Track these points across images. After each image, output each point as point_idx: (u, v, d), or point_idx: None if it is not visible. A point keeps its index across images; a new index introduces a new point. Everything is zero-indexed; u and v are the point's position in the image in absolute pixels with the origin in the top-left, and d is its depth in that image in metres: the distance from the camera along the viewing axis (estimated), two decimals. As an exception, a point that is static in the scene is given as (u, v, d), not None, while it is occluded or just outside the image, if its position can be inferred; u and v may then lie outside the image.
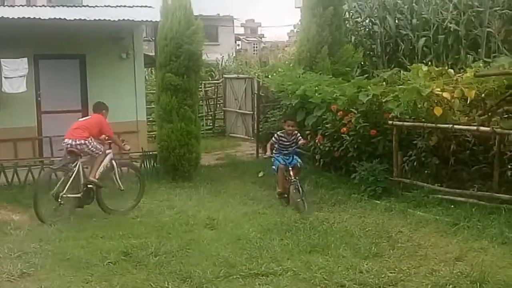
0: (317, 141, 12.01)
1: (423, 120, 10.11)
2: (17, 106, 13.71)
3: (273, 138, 10.69)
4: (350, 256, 7.22)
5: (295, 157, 10.55)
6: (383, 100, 10.74)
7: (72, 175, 9.44)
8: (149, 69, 22.38)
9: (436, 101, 9.89)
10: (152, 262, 7.07)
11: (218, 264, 6.99)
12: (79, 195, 9.60)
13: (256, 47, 49.38)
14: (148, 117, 16.74)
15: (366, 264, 6.86)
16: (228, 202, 10.52)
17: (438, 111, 9.52)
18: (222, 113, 21.05)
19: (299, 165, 10.51)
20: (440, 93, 9.60)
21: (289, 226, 8.58)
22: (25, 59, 13.32)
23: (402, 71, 11.98)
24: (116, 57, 14.62)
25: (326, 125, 11.80)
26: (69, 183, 9.37)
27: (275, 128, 14.45)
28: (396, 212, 9.32)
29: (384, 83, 11.46)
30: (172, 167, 12.33)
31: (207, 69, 25.36)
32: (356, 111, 11.13)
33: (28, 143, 14.04)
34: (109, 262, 7.07)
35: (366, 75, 15.26)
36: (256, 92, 16.69)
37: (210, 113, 21.53)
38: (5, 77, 13.17)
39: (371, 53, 19.06)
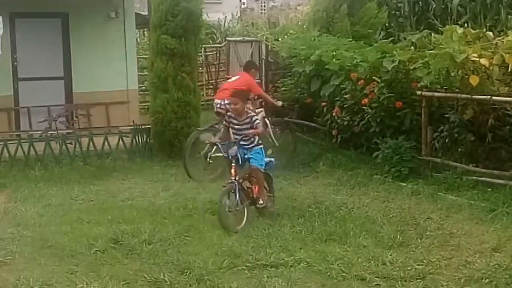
0: (334, 114, 12.00)
1: (457, 90, 10.06)
2: (-10, 72, 13.74)
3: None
4: (372, 245, 7.24)
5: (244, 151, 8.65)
6: (411, 68, 10.69)
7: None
8: (141, 30, 22.33)
9: (472, 69, 9.82)
10: (146, 250, 7.10)
11: (221, 253, 7.02)
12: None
13: (264, 6, 49.14)
14: (140, 85, 16.76)
15: (390, 255, 6.87)
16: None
17: (474, 80, 9.46)
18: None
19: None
20: (477, 59, 9.53)
21: (302, 211, 8.62)
22: (0, 18, 13.28)
23: (433, 34, 11.88)
24: (103, 16, 14.60)
25: (345, 96, 11.78)
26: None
27: (285, 99, 14.48)
28: (424, 196, 9.32)
29: (412, 47, 11.38)
30: (167, 143, 12.35)
31: (208, 31, 25.28)
32: (379, 80, 11.09)
33: (3, 115, 14.07)
34: (96, 251, 7.11)
35: (391, 38, 15.19)
36: (264, 57, 16.63)
37: (211, 81, 21.49)
38: (-24, 39, 13.16)
39: (397, 13, 18.95)
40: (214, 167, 10.82)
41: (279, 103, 12.05)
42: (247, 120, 8.58)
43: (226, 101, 10.71)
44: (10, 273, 6.52)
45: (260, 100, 11.74)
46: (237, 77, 11.84)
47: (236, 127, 8.67)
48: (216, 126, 11.10)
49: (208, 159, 10.72)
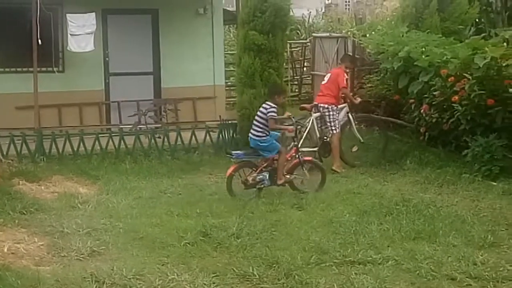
0: (422, 111, 11.84)
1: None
2: (83, 67, 14.21)
3: (273, 114, 9.56)
4: (462, 245, 7.15)
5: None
6: (504, 64, 10.46)
7: (306, 130, 11.24)
8: (228, 26, 22.53)
9: None
10: (234, 244, 7.21)
11: (308, 249, 7.06)
12: (315, 149, 11.38)
13: (349, 1, 48.82)
14: (227, 81, 16.93)
15: (481, 255, 6.77)
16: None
17: None
18: (310, 78, 20.99)
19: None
20: None
21: (389, 208, 8.56)
22: (93, 14, 13.69)
23: (526, 30, 11.62)
24: (192, 13, 14.87)
25: (434, 93, 11.60)
26: (303, 137, 11.00)
27: (372, 96, 14.38)
28: (516, 196, 9.13)
29: (504, 44, 11.13)
30: (254, 138, 12.45)
31: (292, 27, 25.29)
32: (470, 77, 10.88)
33: (94, 108, 14.53)
34: (186, 243, 7.26)
35: (483, 34, 14.82)
36: (351, 53, 16.54)
37: (296, 77, 21.53)
38: (71, 34, 13.59)
39: (488, 8, 18.45)
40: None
41: (358, 100, 12.10)
42: None
43: (320, 105, 11.57)
44: (104, 263, 6.71)
45: (343, 95, 11.91)
46: (329, 75, 12.00)
47: None
48: (301, 121, 11.36)
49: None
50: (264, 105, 9.68)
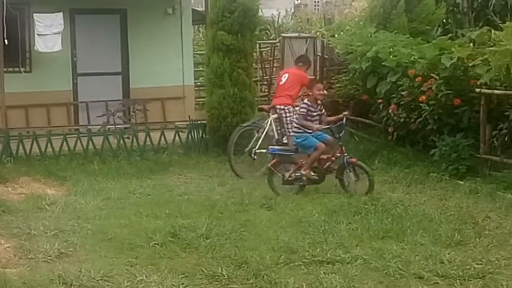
0: (390, 111, 11.93)
1: (517, 88, 9.92)
2: (51, 67, 14.09)
3: (303, 110, 9.72)
4: (429, 244, 7.19)
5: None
6: (470, 65, 10.58)
7: (263, 131, 11.16)
8: (197, 26, 22.48)
9: (533, 66, 9.68)
10: (203, 244, 7.18)
11: (277, 249, 7.05)
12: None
13: (318, 1, 49.00)
14: (196, 81, 16.90)
15: (448, 254, 6.82)
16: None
17: (535, 77, 9.33)
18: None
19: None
20: (539, 56, 9.40)
21: (358, 208, 8.58)
22: (60, 14, 13.59)
23: (492, 31, 11.72)
24: (161, 13, 14.83)
25: (402, 93, 11.70)
26: (261, 139, 11.01)
27: (340, 96, 14.45)
28: (482, 194, 9.23)
29: (471, 44, 11.25)
30: (223, 138, 12.39)
31: (262, 27, 25.31)
32: (437, 77, 10.98)
33: (62, 109, 14.41)
34: (155, 244, 7.21)
35: (450, 35, 14.97)
36: (320, 54, 16.60)
37: (265, 77, 21.51)
38: (38, 34, 13.49)
39: (455, 9, 18.63)
40: (259, 163, 11.01)
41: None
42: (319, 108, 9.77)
43: (277, 106, 11.30)
44: (71, 265, 6.63)
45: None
46: (286, 76, 11.57)
47: (314, 114, 9.67)
48: (259, 123, 11.46)
49: (252, 155, 11.01)
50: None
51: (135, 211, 8.66)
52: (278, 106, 11.32)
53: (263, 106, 12.16)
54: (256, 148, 10.98)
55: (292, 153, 9.91)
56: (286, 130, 11.18)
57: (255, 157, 11.01)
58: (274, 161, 9.90)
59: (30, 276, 6.24)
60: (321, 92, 9.88)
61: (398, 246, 7.10)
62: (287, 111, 11.22)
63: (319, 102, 9.82)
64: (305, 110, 9.62)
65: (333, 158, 9.67)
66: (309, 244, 7.17)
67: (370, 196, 9.24)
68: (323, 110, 9.91)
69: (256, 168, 11.10)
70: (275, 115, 11.36)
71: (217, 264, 6.61)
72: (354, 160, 9.70)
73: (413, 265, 6.51)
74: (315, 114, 9.70)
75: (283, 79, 11.55)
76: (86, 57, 14.46)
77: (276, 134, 11.32)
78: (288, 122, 11.14)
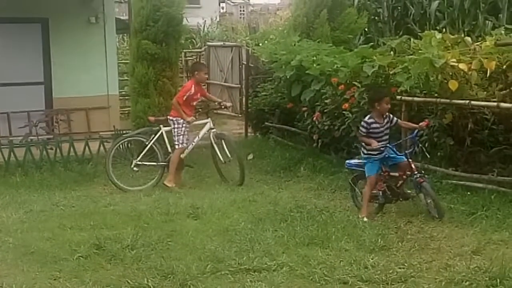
0: (315, 118, 12.04)
1: (436, 95, 10.14)
2: (-32, 77, 13.69)
3: (362, 129, 8.76)
4: (354, 249, 7.28)
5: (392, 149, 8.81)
6: (391, 72, 10.75)
7: (149, 143, 10.99)
8: (122, 35, 22.28)
9: (451, 74, 9.90)
10: (129, 256, 7.11)
11: (203, 258, 7.03)
12: (163, 163, 11.02)
13: (243, 10, 49.22)
14: (121, 90, 16.74)
15: (372, 259, 6.93)
16: (214, 188, 10.61)
17: (453, 85, 9.53)
18: (205, 87, 21.03)
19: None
20: (456, 64, 9.60)
21: (284, 215, 8.64)
22: (-22, 23, 13.27)
23: (412, 39, 11.99)
24: (83, 22, 14.64)
25: (325, 101, 11.83)
26: (144, 151, 10.95)
27: (266, 104, 14.53)
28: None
29: (391, 52, 11.46)
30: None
31: (187, 35, 25.30)
32: (359, 85, 11.16)
33: (-19, 120, 14.03)
34: (79, 256, 7.11)
35: (371, 43, 15.26)
36: (245, 62, 16.69)
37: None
38: (-46, 43, 13.11)
39: (376, 18, 19.07)
40: (149, 176, 11.09)
41: (229, 104, 12.35)
42: (386, 121, 8.88)
43: (169, 117, 11.00)
44: (-8, 280, 6.51)
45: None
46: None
47: (378, 131, 8.74)
48: (144, 134, 11.20)
49: (132, 167, 11.05)
50: None
51: (58, 223, 8.50)
52: (169, 117, 11.00)
53: (151, 117, 11.49)
54: (137, 160, 10.99)
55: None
56: (174, 141, 10.93)
57: (136, 169, 11.04)
58: (353, 176, 9.25)
59: (-51, 293, 6.07)
60: (388, 106, 8.83)
61: (323, 252, 7.17)
62: (175, 122, 10.86)
63: (385, 115, 8.83)
64: (364, 130, 8.69)
65: (380, 189, 8.78)
66: (236, 253, 7.17)
67: (295, 203, 9.31)
68: (394, 119, 8.99)
69: (145, 181, 11.08)
70: (168, 128, 11.03)
71: (142, 275, 6.56)
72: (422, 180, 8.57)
73: (338, 271, 6.59)
74: (382, 128, 8.77)
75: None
76: (6, 67, 14.15)
77: (169, 146, 11.05)
78: (176, 134, 10.86)
